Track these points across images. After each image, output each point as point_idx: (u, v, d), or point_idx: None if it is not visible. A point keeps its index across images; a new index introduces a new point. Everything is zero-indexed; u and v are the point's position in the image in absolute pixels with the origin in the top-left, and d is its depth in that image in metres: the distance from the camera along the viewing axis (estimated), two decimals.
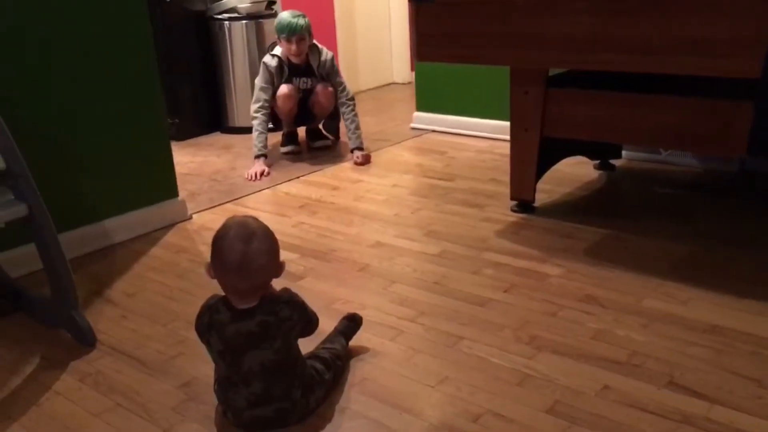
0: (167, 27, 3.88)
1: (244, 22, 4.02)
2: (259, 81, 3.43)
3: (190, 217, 2.79)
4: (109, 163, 2.53)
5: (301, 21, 3.31)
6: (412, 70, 5.13)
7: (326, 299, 2.03)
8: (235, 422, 1.49)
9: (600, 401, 1.52)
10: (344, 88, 3.51)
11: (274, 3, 4.26)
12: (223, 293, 1.49)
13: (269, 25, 4.05)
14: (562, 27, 2.18)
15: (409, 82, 5.23)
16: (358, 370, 1.69)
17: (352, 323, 1.80)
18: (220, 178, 3.30)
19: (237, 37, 4.03)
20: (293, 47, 3.33)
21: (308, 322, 1.54)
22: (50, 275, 1.86)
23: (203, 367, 1.70)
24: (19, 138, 1.75)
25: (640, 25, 2.02)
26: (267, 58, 3.42)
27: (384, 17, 5.32)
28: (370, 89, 5.29)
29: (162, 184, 2.71)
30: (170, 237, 2.61)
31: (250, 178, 3.23)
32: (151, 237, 2.61)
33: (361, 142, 3.45)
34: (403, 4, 5.08)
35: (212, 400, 1.57)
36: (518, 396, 1.56)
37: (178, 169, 2.85)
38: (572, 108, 2.38)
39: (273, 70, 3.39)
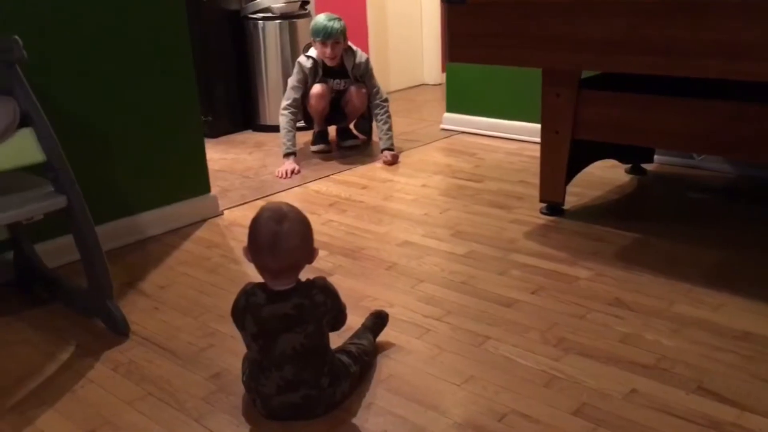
0: (203, 26, 3.94)
1: (277, 21, 4.06)
2: (291, 80, 3.47)
3: (222, 213, 2.83)
4: (145, 159, 2.58)
5: (337, 24, 3.34)
6: (442, 71, 5.13)
7: (354, 296, 2.04)
8: (264, 410, 1.51)
9: (627, 405, 1.52)
10: (378, 91, 3.54)
11: (308, 3, 4.30)
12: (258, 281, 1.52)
13: (302, 25, 4.09)
14: (596, 29, 2.17)
15: (440, 84, 5.23)
16: (384, 367, 1.70)
17: (379, 320, 1.82)
18: (251, 175, 3.34)
19: (270, 36, 4.07)
20: (328, 51, 3.36)
21: (340, 311, 1.57)
22: (86, 266, 1.91)
23: (232, 359, 1.73)
24: (59, 132, 1.80)
25: (675, 28, 2.01)
26: (302, 59, 3.46)
27: (416, 18, 5.33)
28: (400, 90, 5.30)
29: (195, 180, 2.76)
30: (202, 232, 2.66)
31: (280, 176, 3.26)
32: (183, 231, 2.65)
33: (392, 144, 3.46)
34: (435, 6, 5.09)
35: (241, 391, 1.60)
36: (544, 397, 1.56)
37: (211, 165, 2.89)
38: (604, 111, 2.36)
39: (307, 71, 3.43)
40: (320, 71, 3.45)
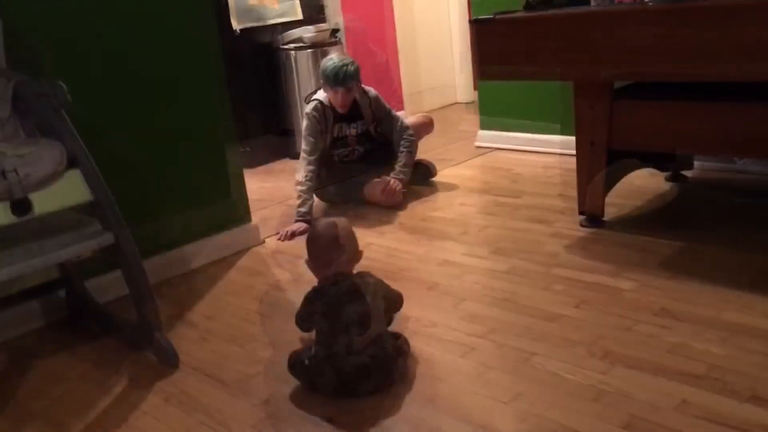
0: (238, 59, 4.03)
1: (309, 51, 4.13)
2: (305, 139, 3.10)
3: (263, 242, 2.88)
4: (188, 192, 2.64)
5: (350, 69, 3.05)
6: (474, 89, 5.15)
7: (397, 318, 2.05)
8: (336, 377, 1.65)
9: (679, 416, 1.49)
10: (402, 124, 3.30)
11: (338, 31, 4.37)
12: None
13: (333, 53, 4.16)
14: (627, 40, 2.16)
15: (473, 102, 5.24)
16: (430, 387, 1.71)
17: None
18: (290, 203, 3.38)
19: (303, 65, 4.14)
20: (339, 98, 3.10)
21: (390, 290, 1.88)
22: (135, 300, 1.96)
23: (280, 386, 1.76)
24: (104, 169, 1.86)
25: (709, 34, 1.99)
26: (308, 109, 3.13)
27: (445, 38, 5.37)
28: (434, 110, 5.33)
29: (236, 210, 2.81)
30: (245, 261, 2.70)
31: (281, 237, 2.86)
32: (227, 261, 2.70)
33: (404, 177, 3.14)
34: (465, 24, 5.12)
35: (289, 417, 1.62)
36: (594, 411, 1.54)
37: (250, 195, 2.94)
38: (639, 119, 2.35)
39: (318, 117, 3.11)
40: (330, 113, 3.14)
